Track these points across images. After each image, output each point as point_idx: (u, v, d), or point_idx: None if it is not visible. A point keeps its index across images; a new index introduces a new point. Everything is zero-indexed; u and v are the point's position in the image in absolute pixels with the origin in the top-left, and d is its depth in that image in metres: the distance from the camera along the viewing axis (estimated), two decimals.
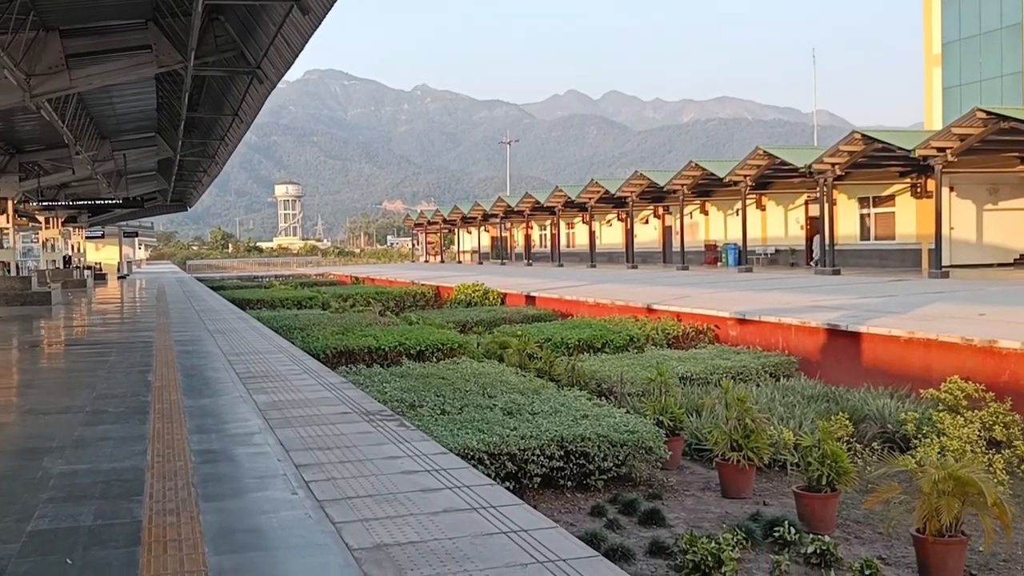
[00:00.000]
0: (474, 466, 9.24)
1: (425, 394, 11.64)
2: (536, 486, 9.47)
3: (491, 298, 28.90)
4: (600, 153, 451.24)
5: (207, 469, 5.88)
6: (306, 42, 13.82)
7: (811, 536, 7.51)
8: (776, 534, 7.82)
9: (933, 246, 25.67)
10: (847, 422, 9.97)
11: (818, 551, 7.35)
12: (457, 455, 9.12)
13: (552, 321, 21.19)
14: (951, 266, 24.50)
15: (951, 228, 25.29)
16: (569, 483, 9.63)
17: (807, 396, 12.80)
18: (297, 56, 14.57)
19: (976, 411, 10.61)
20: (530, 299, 27.36)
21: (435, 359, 15.15)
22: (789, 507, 9.20)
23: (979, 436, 9.75)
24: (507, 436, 9.46)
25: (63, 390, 9.73)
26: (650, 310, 20.17)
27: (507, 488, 9.37)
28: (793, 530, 7.78)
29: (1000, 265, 28.72)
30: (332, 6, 12.20)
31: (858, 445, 8.64)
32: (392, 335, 15.94)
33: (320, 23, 12.94)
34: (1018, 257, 29.17)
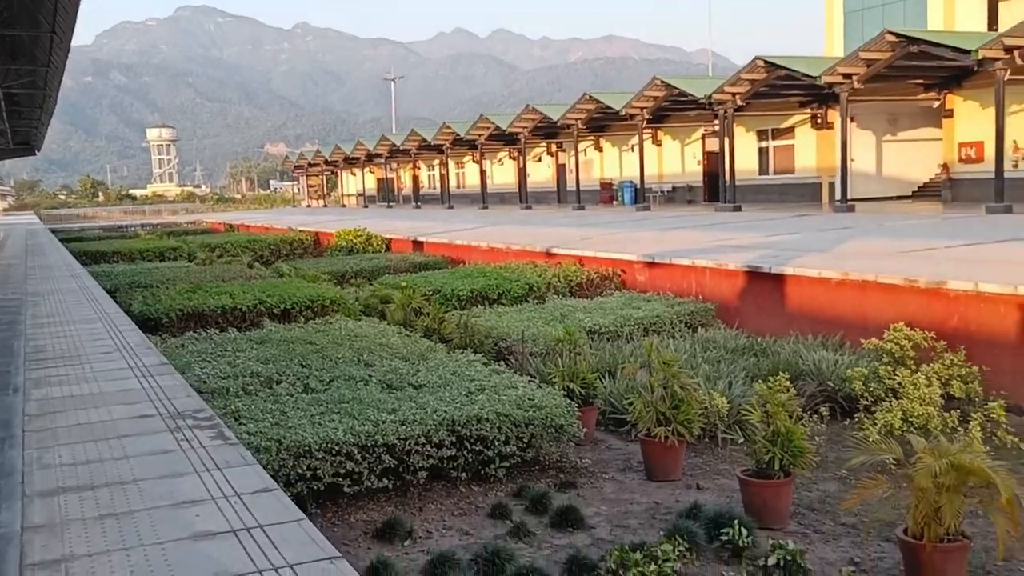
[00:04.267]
0: (341, 462, 7.38)
1: (286, 365, 9.61)
2: (422, 481, 7.61)
3: (375, 244, 26.64)
4: (489, 92, 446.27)
5: None
6: None
7: (771, 543, 5.87)
8: (724, 537, 6.17)
9: (834, 179, 24.80)
10: (787, 383, 8.42)
11: (781, 562, 5.73)
12: (320, 451, 7.22)
13: (442, 270, 19.20)
14: (853, 200, 23.59)
15: (851, 160, 24.36)
16: (464, 474, 7.80)
17: (731, 349, 11.28)
18: None
19: (927, 363, 9.23)
20: (417, 245, 25.26)
21: (304, 319, 13.00)
22: (727, 490, 7.62)
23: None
24: (384, 423, 7.54)
25: None
26: (550, 254, 18.41)
27: (387, 485, 7.56)
28: (745, 532, 6.14)
29: (899, 198, 28.16)
30: None
31: (799, 410, 7.14)
32: (252, 292, 13.67)
33: None
34: (917, 189, 28.65)
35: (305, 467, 7.14)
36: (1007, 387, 9.00)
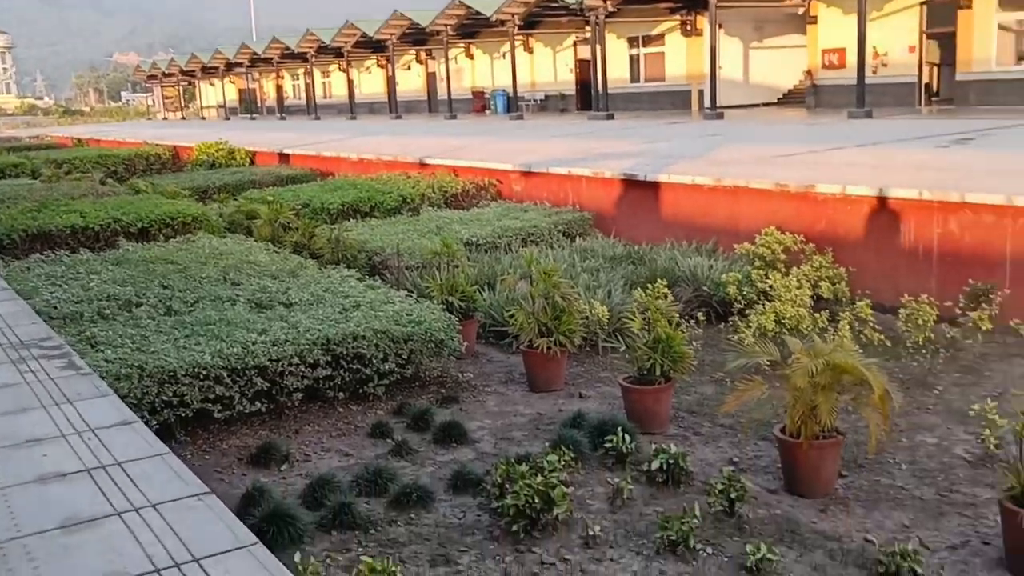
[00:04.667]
0: (210, 387, 6.97)
1: (146, 287, 9.00)
2: (297, 402, 7.30)
3: (238, 158, 25.34)
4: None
5: None
6: None
7: (654, 448, 5.88)
8: (608, 444, 6.15)
9: (704, 87, 25.01)
10: (665, 290, 8.44)
11: (664, 466, 5.76)
12: (186, 376, 6.79)
13: (310, 183, 18.42)
14: (722, 107, 23.91)
15: (720, 68, 24.60)
16: (341, 394, 7.53)
17: (609, 258, 11.28)
18: None
19: (797, 266, 9.45)
20: (284, 157, 24.20)
21: (164, 237, 12.22)
22: (609, 398, 7.65)
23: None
24: (254, 344, 7.14)
25: None
26: (423, 165, 17.93)
27: (261, 409, 7.22)
28: (628, 438, 6.14)
29: (766, 104, 28.75)
30: None
31: (677, 316, 7.17)
32: (105, 209, 12.71)
33: None
34: (782, 96, 29.30)
35: (171, 393, 6.72)
36: (871, 286, 9.32)
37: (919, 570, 4.43)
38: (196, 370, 6.77)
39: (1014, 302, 8.26)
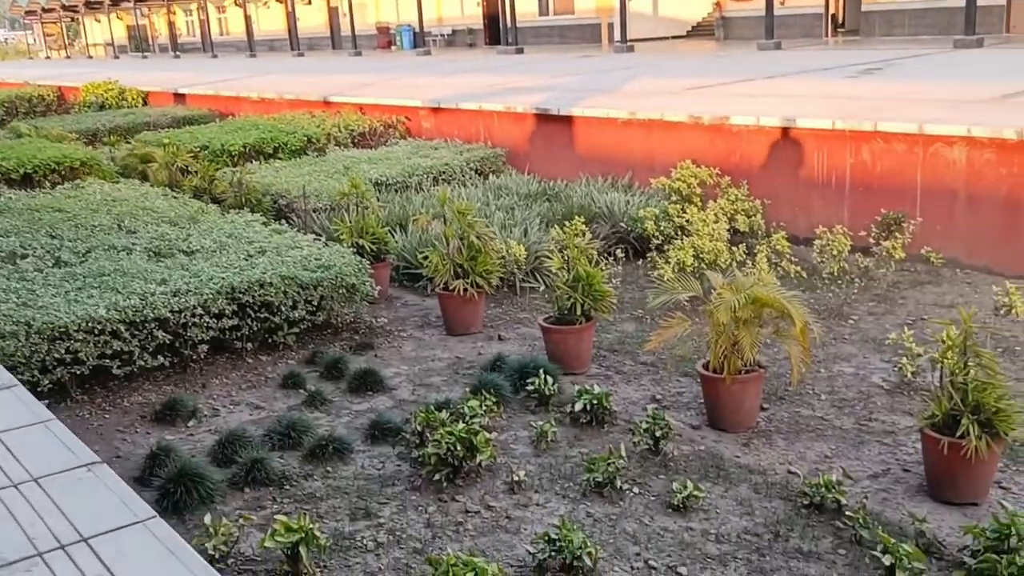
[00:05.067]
0: (107, 342, 6.53)
1: (32, 237, 8.44)
2: (203, 355, 6.92)
3: (130, 99, 24.02)
4: None
5: None
6: None
7: (577, 389, 5.75)
8: (530, 387, 6.00)
9: (613, 20, 24.71)
10: (583, 227, 8.26)
11: (587, 407, 5.64)
12: (79, 331, 6.33)
13: (208, 124, 17.55)
14: (632, 40, 23.69)
15: (628, 0, 24.33)
16: (249, 345, 7.17)
17: (523, 195, 11.05)
18: None
19: (713, 200, 9.39)
20: (179, 97, 23.03)
21: (50, 184, 11.46)
22: (529, 339, 7.50)
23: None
24: (153, 295, 6.71)
25: None
26: (327, 104, 17.24)
27: (164, 363, 6.82)
28: (551, 380, 6.00)
29: (675, 37, 28.65)
30: None
31: (596, 253, 7.03)
32: None
33: None
34: (691, 28, 29.24)
35: (64, 350, 6.27)
36: (786, 218, 9.36)
37: (843, 500, 4.42)
38: (90, 325, 6.33)
39: (924, 230, 8.37)
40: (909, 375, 5.85)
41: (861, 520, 4.19)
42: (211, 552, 4.14)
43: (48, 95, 27.01)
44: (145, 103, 23.96)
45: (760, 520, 4.38)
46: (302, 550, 3.89)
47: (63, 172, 11.92)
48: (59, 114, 24.22)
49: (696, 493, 4.46)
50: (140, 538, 2.56)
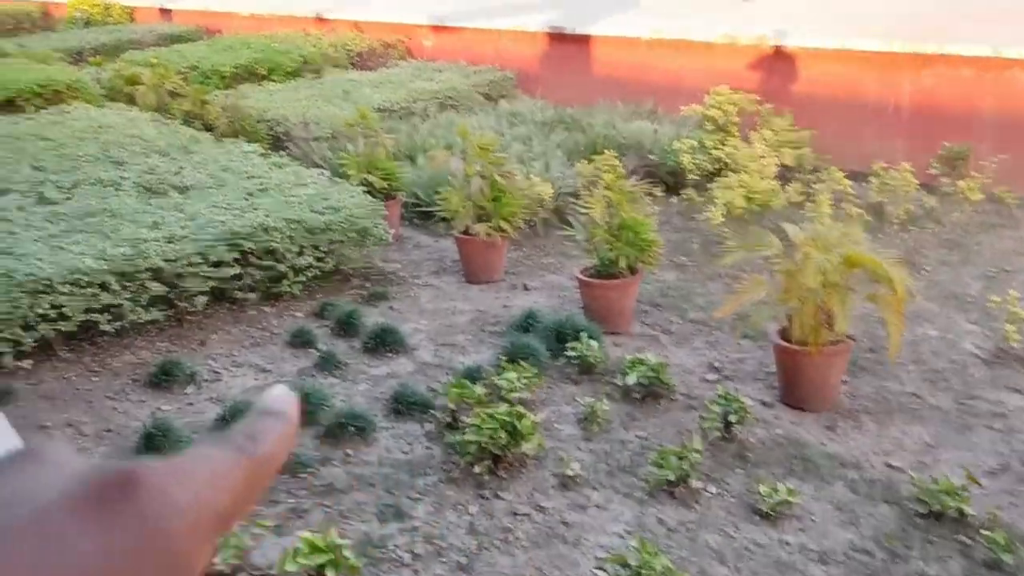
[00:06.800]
0: (95, 295, 5.83)
1: (14, 168, 7.73)
2: (202, 307, 6.23)
3: (115, 14, 22.75)
4: None
5: None
6: None
7: (629, 360, 5.06)
8: (571, 352, 5.33)
9: None
10: (615, 162, 7.48)
11: (641, 380, 4.96)
12: (65, 283, 5.63)
13: (197, 42, 16.46)
14: None
15: None
16: (252, 295, 6.48)
17: (539, 122, 10.22)
18: None
19: (753, 130, 8.59)
20: (166, 12, 21.76)
21: (34, 108, 10.63)
22: (557, 288, 6.84)
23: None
24: (145, 242, 6.00)
25: None
26: (321, 20, 16.15)
27: (159, 317, 6.14)
28: (595, 344, 5.32)
29: None
30: None
31: (640, 194, 6.28)
32: None
33: None
34: None
35: (48, 305, 5.60)
36: (833, 151, 8.52)
37: (967, 509, 3.63)
38: (76, 277, 5.63)
39: (995, 166, 7.57)
40: (1013, 344, 5.12)
41: (1002, 543, 3.35)
42: (221, 567, 3.53)
43: (34, 11, 25.61)
44: (131, 19, 22.71)
45: (868, 533, 3.62)
46: (329, 574, 3.27)
47: (47, 95, 11.04)
48: (44, 31, 22.95)
49: (790, 499, 3.76)
50: None
